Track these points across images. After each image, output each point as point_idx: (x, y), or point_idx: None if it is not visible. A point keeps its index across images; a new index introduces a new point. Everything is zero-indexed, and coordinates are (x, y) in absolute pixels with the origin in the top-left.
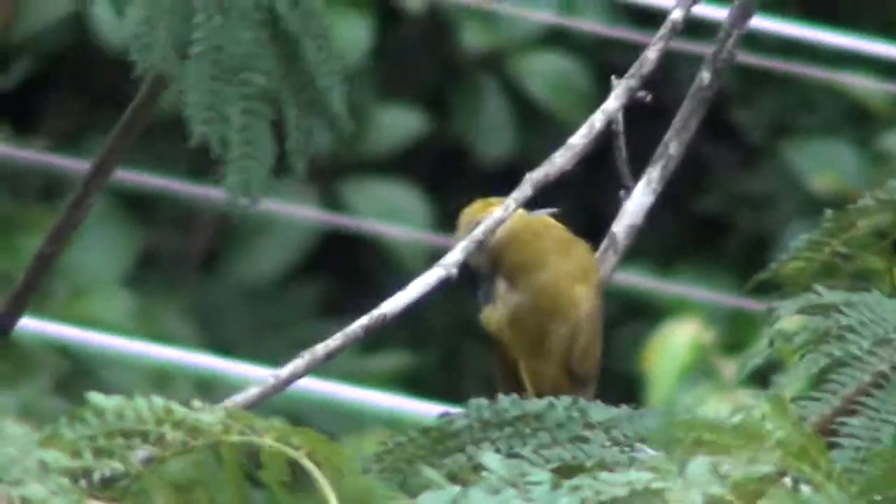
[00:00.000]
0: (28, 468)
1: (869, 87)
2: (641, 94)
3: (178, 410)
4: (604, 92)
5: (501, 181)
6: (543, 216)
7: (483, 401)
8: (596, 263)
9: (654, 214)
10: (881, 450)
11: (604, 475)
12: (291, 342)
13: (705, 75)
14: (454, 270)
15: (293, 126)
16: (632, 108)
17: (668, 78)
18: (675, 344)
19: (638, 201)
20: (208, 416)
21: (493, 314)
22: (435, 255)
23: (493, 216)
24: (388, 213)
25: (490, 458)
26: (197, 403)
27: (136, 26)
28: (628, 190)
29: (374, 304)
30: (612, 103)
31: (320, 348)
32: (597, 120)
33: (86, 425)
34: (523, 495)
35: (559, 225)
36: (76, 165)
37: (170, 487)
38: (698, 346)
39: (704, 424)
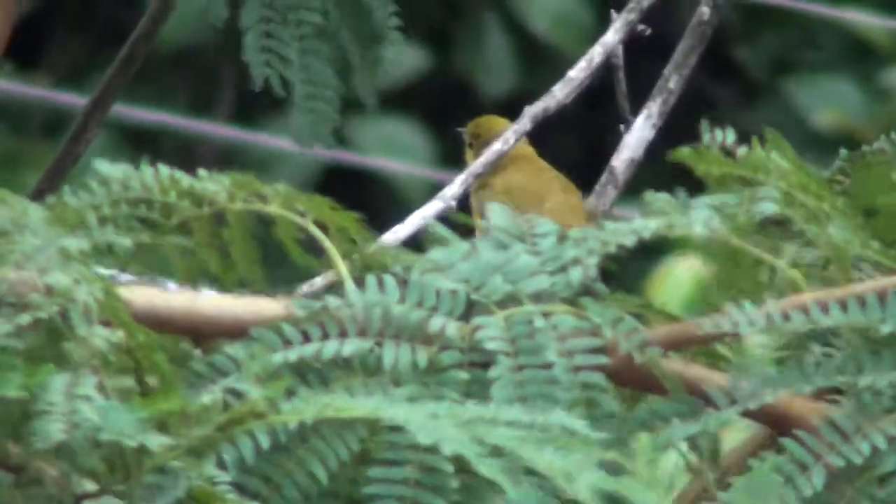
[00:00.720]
0: (52, 256)
1: (872, 23)
2: (641, 28)
3: (184, 179)
4: (605, 26)
5: (503, 116)
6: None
7: None
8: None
9: (655, 151)
10: (868, 168)
11: (610, 225)
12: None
13: (705, 10)
14: (453, 203)
15: (357, 61)
16: (632, 43)
17: (668, 12)
18: (676, 280)
19: (637, 135)
20: (213, 184)
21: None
22: (437, 189)
23: (492, 149)
24: (390, 148)
25: (497, 214)
26: (203, 172)
27: None
28: (628, 124)
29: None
30: (611, 37)
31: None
32: (596, 54)
33: (91, 194)
34: (531, 248)
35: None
36: (79, 102)
37: (176, 251)
38: (699, 281)
39: (713, 157)
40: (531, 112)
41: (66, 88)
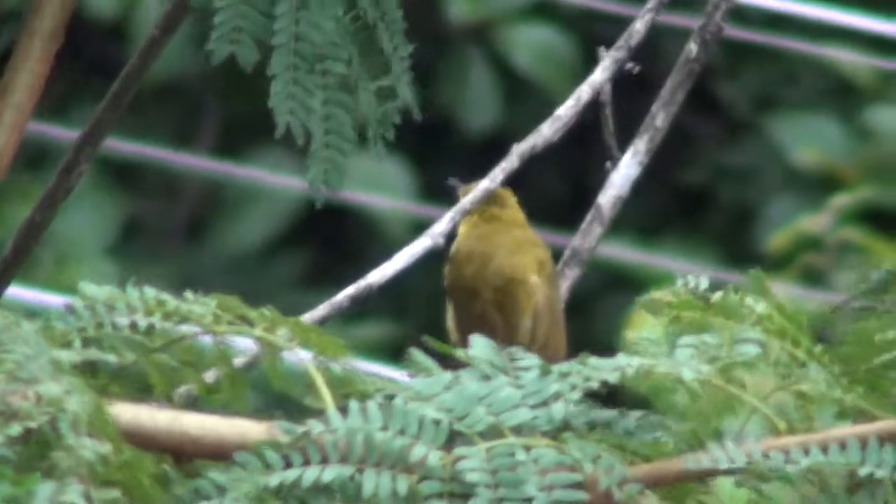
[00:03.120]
0: (43, 366)
1: (854, 62)
2: (629, 65)
3: (170, 301)
4: (589, 64)
5: (487, 152)
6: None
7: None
8: (550, 259)
9: (638, 186)
10: (854, 328)
11: (592, 360)
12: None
13: (693, 48)
14: (441, 240)
15: (371, 113)
16: (617, 80)
17: (654, 50)
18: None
19: (624, 173)
20: (199, 306)
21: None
22: (420, 226)
23: (480, 186)
24: (373, 183)
25: (478, 344)
26: (188, 294)
27: (217, 15)
28: (614, 161)
29: (359, 275)
30: (600, 75)
31: (306, 317)
32: (584, 91)
33: (77, 317)
34: (514, 381)
35: (519, 223)
36: (63, 134)
37: (161, 371)
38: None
39: (686, 302)
40: (518, 150)
41: (50, 121)
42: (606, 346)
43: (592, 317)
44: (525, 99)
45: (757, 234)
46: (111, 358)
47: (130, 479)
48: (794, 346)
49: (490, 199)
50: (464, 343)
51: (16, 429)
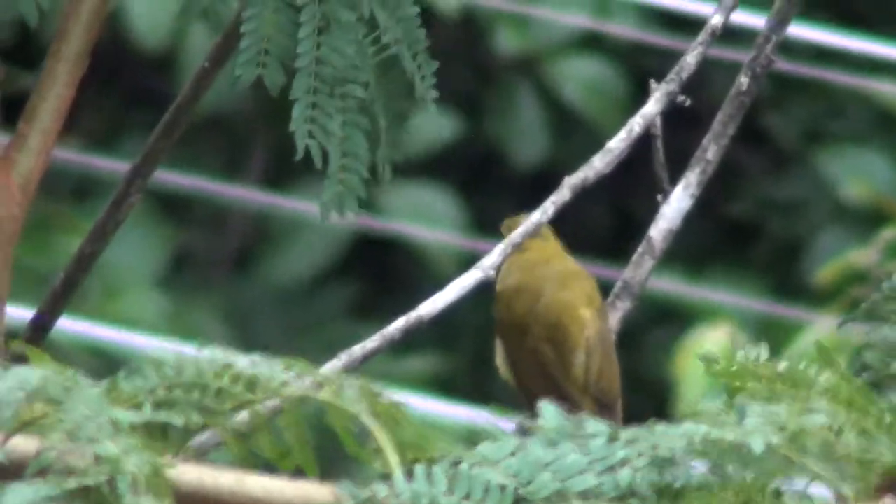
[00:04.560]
0: (101, 426)
1: None
2: (681, 98)
3: (238, 364)
4: (637, 97)
5: (535, 185)
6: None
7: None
8: (597, 291)
9: (685, 219)
10: None
11: (660, 428)
12: (323, 343)
13: (743, 80)
14: (492, 273)
15: (384, 136)
16: (666, 114)
17: (702, 83)
18: (705, 349)
19: (675, 205)
20: (267, 370)
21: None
22: (468, 259)
23: (531, 219)
24: (421, 215)
25: (547, 410)
26: (256, 358)
27: (243, 40)
28: (665, 194)
29: (407, 307)
30: (652, 107)
31: (357, 349)
32: (635, 124)
33: (144, 378)
34: (580, 447)
35: (563, 255)
36: (109, 165)
37: (232, 435)
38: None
39: (751, 372)
40: (570, 182)
41: (95, 152)
42: (655, 379)
43: (640, 349)
44: (573, 132)
45: (805, 267)
46: (178, 420)
47: None
48: (862, 416)
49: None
50: (516, 380)
51: (72, 483)
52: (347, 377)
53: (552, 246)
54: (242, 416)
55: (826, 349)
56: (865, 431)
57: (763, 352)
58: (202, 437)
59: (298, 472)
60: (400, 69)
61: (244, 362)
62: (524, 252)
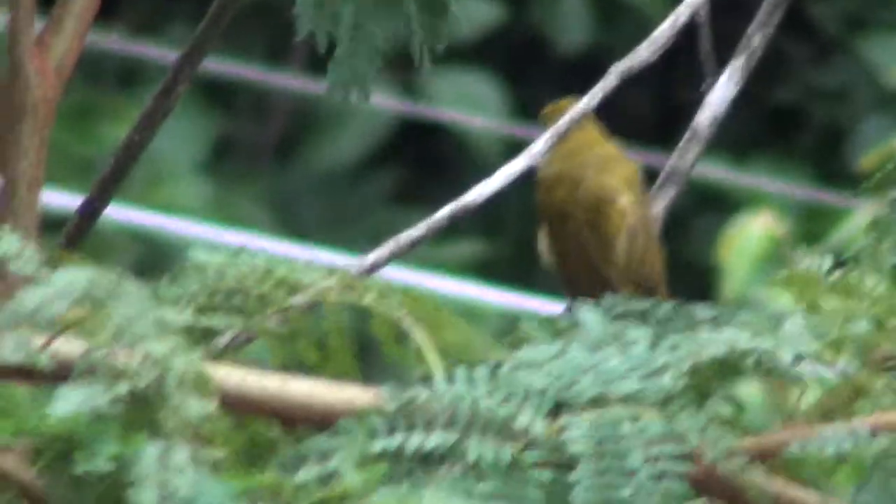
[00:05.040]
0: (148, 326)
1: None
2: None
3: (280, 269)
4: None
5: (578, 72)
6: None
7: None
8: (637, 173)
9: (731, 107)
10: None
11: (702, 334)
12: (366, 230)
13: None
14: (540, 160)
15: (416, 23)
16: (712, 2)
17: None
18: (749, 236)
19: (720, 93)
20: (309, 275)
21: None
22: (511, 145)
23: (577, 107)
24: (464, 102)
25: (589, 316)
26: (299, 262)
27: None
28: (711, 82)
29: (450, 193)
30: None
31: (404, 237)
32: (682, 13)
33: (186, 284)
34: (622, 353)
35: (604, 142)
36: (153, 53)
37: (274, 339)
38: (772, 238)
39: (804, 280)
40: (617, 70)
41: (139, 40)
42: (700, 265)
43: (686, 236)
44: (617, 18)
45: (849, 154)
46: (222, 322)
47: (234, 440)
48: None
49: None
50: (559, 266)
51: (124, 387)
52: (387, 282)
53: (593, 133)
54: (284, 319)
55: (878, 259)
56: None
57: (826, 261)
58: (232, 337)
59: (340, 377)
60: None
61: (285, 268)
62: (565, 140)
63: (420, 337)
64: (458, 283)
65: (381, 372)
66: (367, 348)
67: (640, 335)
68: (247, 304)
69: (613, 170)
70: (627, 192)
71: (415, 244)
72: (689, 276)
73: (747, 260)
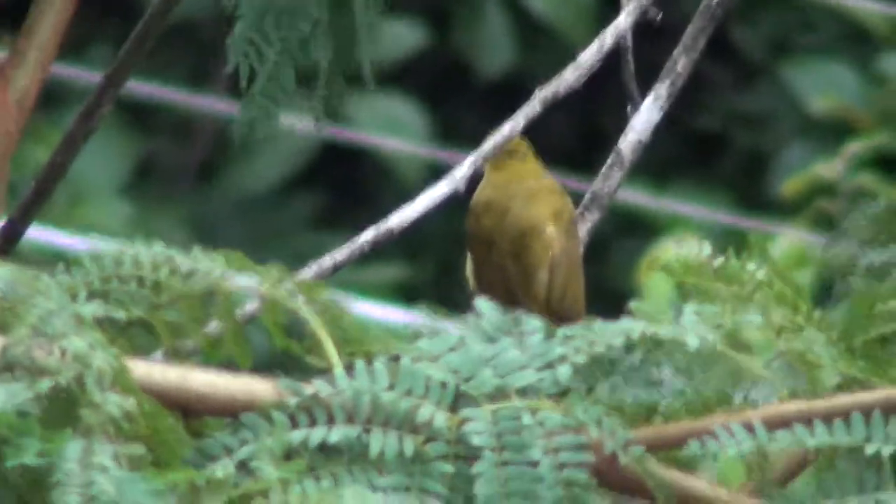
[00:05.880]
0: (66, 321)
1: (869, 8)
2: (652, 11)
3: (176, 257)
4: (604, 8)
5: (501, 96)
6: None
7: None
8: (568, 207)
9: (654, 131)
10: (859, 295)
11: (598, 325)
12: (288, 253)
13: None
14: (462, 185)
15: (325, 75)
16: (636, 26)
17: None
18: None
19: (644, 118)
20: (205, 262)
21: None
22: (433, 169)
23: (501, 131)
24: (387, 125)
25: (484, 304)
26: (195, 251)
27: None
28: (635, 106)
29: (372, 217)
30: (623, 20)
31: (327, 259)
32: (607, 37)
33: (83, 270)
34: (519, 343)
35: (539, 173)
36: (74, 74)
37: (167, 327)
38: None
39: (688, 267)
40: (541, 95)
41: (62, 61)
42: (620, 290)
43: (607, 260)
44: (540, 42)
45: (771, 180)
46: (119, 313)
47: (154, 434)
48: (793, 312)
49: (507, 148)
50: (482, 292)
51: (45, 384)
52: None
53: (530, 164)
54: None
55: (762, 243)
56: (797, 327)
57: (706, 248)
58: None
59: (233, 363)
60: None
61: (183, 257)
62: (501, 170)
63: (317, 326)
64: (380, 307)
65: (285, 364)
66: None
67: (535, 326)
68: (141, 291)
69: (542, 202)
70: (554, 225)
71: (338, 267)
72: (609, 300)
73: (668, 284)
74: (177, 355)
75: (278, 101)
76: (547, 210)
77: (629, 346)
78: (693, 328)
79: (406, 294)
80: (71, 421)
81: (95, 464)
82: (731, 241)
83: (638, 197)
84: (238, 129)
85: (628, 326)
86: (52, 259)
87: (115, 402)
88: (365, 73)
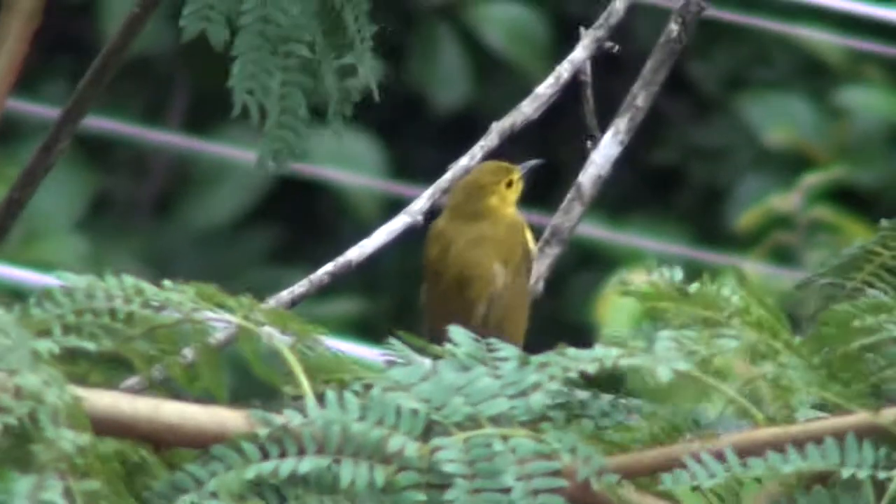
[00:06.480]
0: (22, 357)
1: (825, 41)
2: (609, 44)
3: (148, 289)
4: (561, 42)
5: (456, 130)
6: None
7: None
8: (524, 244)
9: (613, 166)
10: (833, 310)
11: (571, 351)
12: (244, 288)
13: (673, 27)
14: (420, 218)
15: (332, 93)
16: (594, 60)
17: (629, 29)
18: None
19: (604, 152)
20: (178, 294)
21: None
22: (389, 203)
23: (459, 164)
24: (342, 159)
25: (457, 333)
26: (167, 283)
27: None
28: (594, 140)
29: (329, 252)
30: (580, 53)
31: (285, 294)
32: (564, 70)
33: (55, 304)
34: (492, 372)
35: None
36: (30, 109)
37: (142, 359)
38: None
39: (662, 293)
40: (498, 127)
41: (16, 96)
42: (577, 324)
43: (563, 294)
44: (496, 76)
45: (727, 213)
46: (91, 346)
47: (108, 471)
48: (771, 338)
49: (479, 178)
50: (427, 322)
51: None
52: (258, 304)
53: (496, 196)
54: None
55: (739, 270)
56: (776, 353)
57: (678, 273)
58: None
59: (209, 395)
60: (343, 28)
61: (155, 289)
62: (467, 200)
63: (288, 355)
64: (337, 341)
65: (258, 394)
66: (245, 372)
67: (510, 353)
68: (115, 324)
69: (493, 235)
70: (500, 260)
71: (296, 301)
72: (566, 333)
73: (625, 318)
74: (150, 386)
75: (297, 129)
76: (496, 244)
77: (595, 393)
78: (665, 356)
79: (363, 328)
80: (24, 458)
81: (46, 501)
82: (688, 274)
83: (594, 231)
84: (260, 164)
85: (602, 353)
86: (8, 294)
87: (68, 438)
88: (371, 90)
